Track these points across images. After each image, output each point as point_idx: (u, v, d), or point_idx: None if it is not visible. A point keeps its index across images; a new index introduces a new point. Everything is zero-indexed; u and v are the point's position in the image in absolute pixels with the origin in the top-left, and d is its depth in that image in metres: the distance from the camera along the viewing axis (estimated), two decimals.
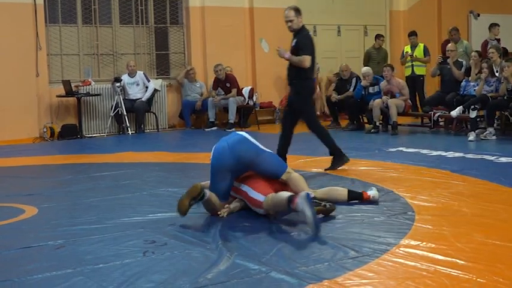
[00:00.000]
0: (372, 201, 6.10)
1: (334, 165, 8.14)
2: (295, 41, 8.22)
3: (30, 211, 6.21)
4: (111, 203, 6.49)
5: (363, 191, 6.21)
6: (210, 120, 14.04)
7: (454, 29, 13.99)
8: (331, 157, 8.24)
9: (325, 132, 8.39)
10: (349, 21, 16.66)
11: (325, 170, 8.09)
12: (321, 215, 5.55)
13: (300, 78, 8.18)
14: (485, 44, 13.73)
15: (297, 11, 8.15)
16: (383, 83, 12.73)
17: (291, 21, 8.12)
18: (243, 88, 14.33)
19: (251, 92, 14.35)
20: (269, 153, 6.01)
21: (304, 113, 8.32)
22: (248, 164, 5.83)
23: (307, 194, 5.18)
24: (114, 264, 4.39)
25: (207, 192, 5.64)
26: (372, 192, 6.17)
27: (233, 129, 13.60)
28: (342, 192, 6.18)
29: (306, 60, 8.02)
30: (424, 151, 9.59)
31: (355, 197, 6.15)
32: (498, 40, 13.94)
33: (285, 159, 7.69)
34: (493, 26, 14.10)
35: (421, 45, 14.19)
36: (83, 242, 5.00)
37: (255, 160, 5.83)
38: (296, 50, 8.14)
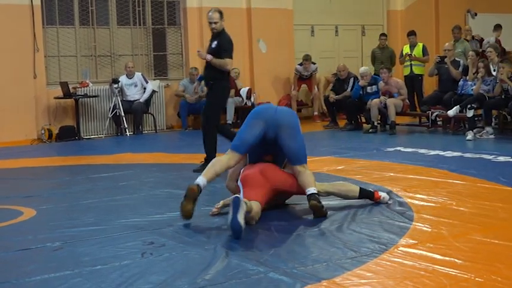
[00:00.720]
0: (381, 203, 6.07)
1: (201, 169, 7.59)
2: (215, 42, 8.40)
3: (29, 213, 6.20)
4: (110, 205, 6.49)
5: (375, 191, 6.18)
6: None
7: (456, 28, 14.04)
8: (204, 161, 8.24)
9: (214, 140, 8.44)
10: (346, 21, 16.67)
11: (194, 171, 8.02)
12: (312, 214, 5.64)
13: (217, 79, 8.39)
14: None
15: (221, 13, 8.40)
16: (381, 84, 12.72)
17: (215, 23, 8.34)
18: (240, 89, 14.33)
19: (249, 93, 14.36)
20: (302, 139, 6.00)
21: (210, 111, 8.46)
22: (281, 134, 5.80)
23: (235, 198, 5.11)
24: (112, 265, 4.40)
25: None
26: (383, 194, 6.16)
27: (230, 129, 13.59)
28: (353, 188, 6.16)
29: (229, 63, 8.34)
30: (422, 151, 9.60)
31: (367, 196, 6.13)
32: (499, 41, 14.02)
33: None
34: (497, 27, 14.19)
35: (420, 45, 14.20)
36: (81, 244, 5.01)
37: (290, 134, 5.83)
38: (217, 52, 8.32)
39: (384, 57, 14.89)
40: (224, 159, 5.84)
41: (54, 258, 4.66)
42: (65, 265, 4.44)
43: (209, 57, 8.29)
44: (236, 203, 5.02)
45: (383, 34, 15.40)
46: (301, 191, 5.81)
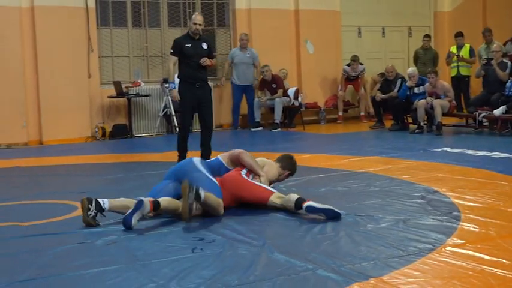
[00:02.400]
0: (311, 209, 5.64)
1: None
2: (206, 44, 8.85)
3: None
4: None
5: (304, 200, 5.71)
6: (256, 120, 14.05)
7: (486, 30, 13.88)
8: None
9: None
10: (393, 22, 16.53)
11: None
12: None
13: (207, 80, 9.01)
14: None
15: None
16: (428, 86, 12.57)
17: (200, 25, 8.69)
18: (288, 89, 14.31)
19: (296, 93, 14.33)
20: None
21: (211, 110, 9.23)
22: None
23: (139, 201, 5.37)
24: (164, 260, 4.43)
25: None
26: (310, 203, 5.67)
27: (278, 129, 13.61)
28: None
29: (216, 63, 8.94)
30: (469, 151, 9.47)
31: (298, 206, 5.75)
32: None
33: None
34: None
35: (467, 46, 14.02)
36: (133, 238, 5.06)
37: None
38: (210, 53, 8.86)
39: (426, 58, 14.74)
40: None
41: (108, 252, 4.71)
42: (119, 259, 4.49)
43: (208, 61, 8.76)
44: (137, 205, 5.34)
45: (427, 35, 15.24)
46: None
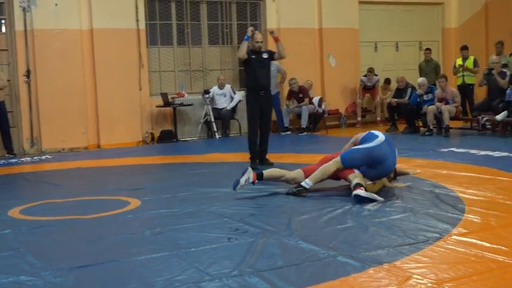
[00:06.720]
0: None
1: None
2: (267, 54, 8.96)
3: (134, 203, 6.34)
4: (201, 196, 6.56)
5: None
6: (285, 125, 14.04)
7: (499, 43, 13.69)
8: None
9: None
10: (406, 37, 16.37)
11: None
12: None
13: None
14: None
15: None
16: (438, 91, 12.47)
17: (262, 42, 8.84)
18: (313, 97, 14.28)
19: (320, 101, 14.27)
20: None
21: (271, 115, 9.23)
22: None
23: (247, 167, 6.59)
24: (204, 248, 4.45)
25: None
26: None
27: (304, 133, 13.59)
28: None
29: None
30: (473, 151, 9.35)
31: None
32: None
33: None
34: None
35: (471, 58, 13.86)
36: (177, 229, 5.08)
37: None
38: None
39: (428, 69, 14.63)
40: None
41: (155, 241, 4.74)
42: (164, 247, 4.52)
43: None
44: (244, 171, 6.44)
45: (427, 49, 15.10)
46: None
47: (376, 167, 6.29)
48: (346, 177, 6.30)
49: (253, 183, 6.41)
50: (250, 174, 6.41)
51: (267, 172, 6.65)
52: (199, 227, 5.15)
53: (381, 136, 6.46)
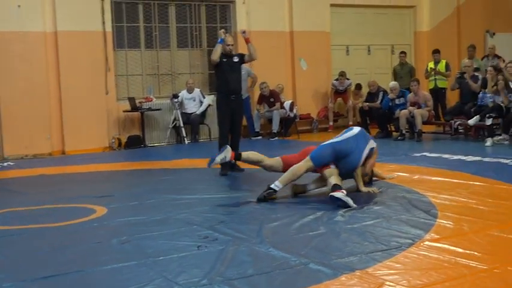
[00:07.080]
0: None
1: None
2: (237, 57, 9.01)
3: (101, 211, 6.29)
4: (170, 204, 6.53)
5: None
6: (256, 130, 14.05)
7: (471, 46, 13.92)
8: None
9: None
10: (378, 41, 16.51)
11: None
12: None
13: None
14: None
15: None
16: (410, 95, 12.60)
17: (232, 45, 8.95)
18: (284, 102, 14.31)
19: (292, 106, 14.32)
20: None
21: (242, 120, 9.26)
22: None
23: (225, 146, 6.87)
24: (172, 256, 4.42)
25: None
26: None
27: (276, 138, 13.61)
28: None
29: None
30: (446, 156, 9.45)
31: None
32: None
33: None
34: None
35: (443, 61, 14.06)
36: (145, 237, 5.05)
37: None
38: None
39: (403, 72, 14.80)
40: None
41: (122, 250, 4.71)
42: (132, 256, 4.48)
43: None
44: (223, 149, 6.71)
45: (402, 52, 15.26)
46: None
47: (341, 161, 6.40)
48: (322, 172, 6.41)
49: (230, 162, 6.54)
50: (228, 153, 6.53)
51: (246, 154, 6.78)
52: (168, 235, 5.11)
53: (353, 130, 6.68)
